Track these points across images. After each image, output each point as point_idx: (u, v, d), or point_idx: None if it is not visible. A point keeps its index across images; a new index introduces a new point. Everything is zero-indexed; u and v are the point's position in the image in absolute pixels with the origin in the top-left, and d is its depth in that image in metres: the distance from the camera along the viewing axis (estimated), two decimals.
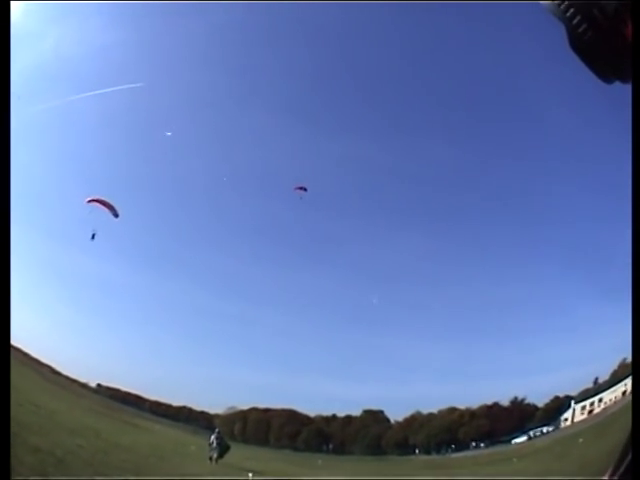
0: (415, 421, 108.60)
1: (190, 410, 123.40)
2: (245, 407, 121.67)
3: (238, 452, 57.35)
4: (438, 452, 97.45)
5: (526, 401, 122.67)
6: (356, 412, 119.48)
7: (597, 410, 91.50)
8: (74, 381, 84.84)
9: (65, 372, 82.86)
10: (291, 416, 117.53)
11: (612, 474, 3.69)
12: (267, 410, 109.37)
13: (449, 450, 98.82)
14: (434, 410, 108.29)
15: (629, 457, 3.03)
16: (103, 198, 30.27)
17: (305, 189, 26.43)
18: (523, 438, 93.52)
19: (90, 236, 30.57)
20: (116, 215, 29.70)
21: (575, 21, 2.51)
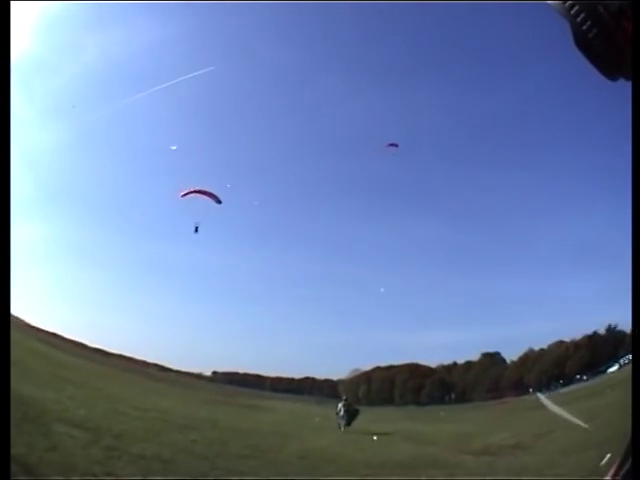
0: (528, 359, 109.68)
1: (313, 380, 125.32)
2: (368, 368, 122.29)
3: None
4: (548, 389, 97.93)
5: (618, 328, 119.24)
6: (475, 357, 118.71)
7: None
8: (186, 374, 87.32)
9: (175, 367, 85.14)
10: (413, 370, 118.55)
11: (615, 474, 3.60)
12: (390, 367, 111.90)
13: (557, 386, 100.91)
14: (544, 346, 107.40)
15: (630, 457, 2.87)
16: (199, 188, 30.95)
17: (396, 145, 28.57)
18: (615, 367, 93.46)
19: (193, 229, 32.21)
20: (219, 202, 30.48)
21: (579, 18, 2.47)
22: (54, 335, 47.19)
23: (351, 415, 31.95)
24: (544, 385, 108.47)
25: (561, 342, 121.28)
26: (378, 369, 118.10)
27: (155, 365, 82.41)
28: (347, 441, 25.49)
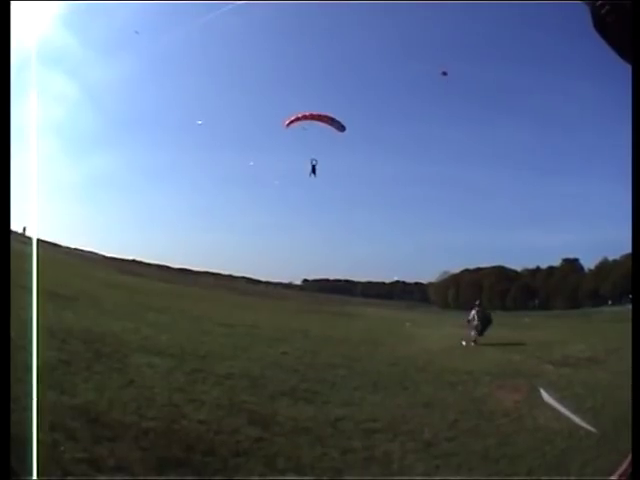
0: (603, 269, 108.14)
1: (404, 284, 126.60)
2: (457, 270, 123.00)
3: (454, 321, 57.85)
4: (621, 302, 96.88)
5: None
6: (556, 262, 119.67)
7: None
8: (276, 284, 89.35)
9: (264, 278, 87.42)
10: (500, 273, 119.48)
11: (622, 474, 3.72)
12: (478, 270, 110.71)
13: (629, 300, 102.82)
14: (617, 257, 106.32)
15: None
16: (313, 112, 27.44)
17: (446, 73, 28.37)
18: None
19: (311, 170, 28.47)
20: (342, 128, 27.23)
21: (599, 3, 2.54)
22: (134, 262, 48.51)
23: (485, 323, 28.25)
24: (617, 298, 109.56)
25: (630, 255, 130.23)
26: (467, 272, 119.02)
27: (243, 278, 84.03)
28: (437, 348, 25.61)
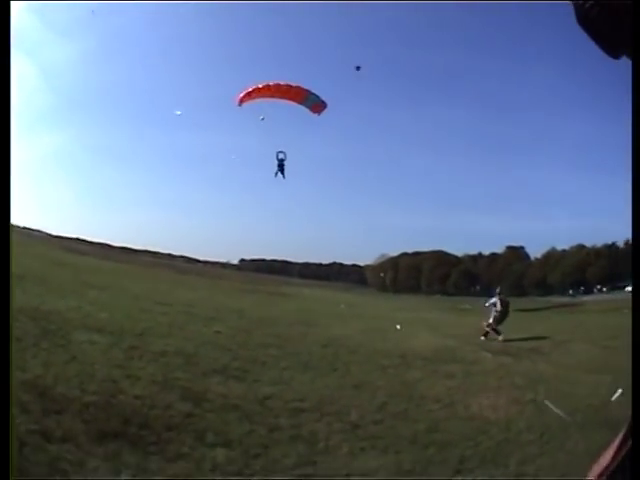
0: (551, 258, 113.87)
1: (341, 265, 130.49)
2: (395, 254, 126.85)
3: (390, 304, 59.11)
4: (570, 293, 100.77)
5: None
6: (500, 249, 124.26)
7: None
8: (213, 264, 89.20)
9: (202, 257, 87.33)
10: (440, 258, 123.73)
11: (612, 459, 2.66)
12: (417, 254, 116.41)
13: (579, 292, 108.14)
14: (566, 247, 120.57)
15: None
16: (278, 83, 21.54)
17: (359, 68, 29.29)
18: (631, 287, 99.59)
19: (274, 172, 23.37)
20: (321, 106, 22.57)
21: None
22: (77, 240, 48.34)
23: (504, 314, 25.96)
24: (566, 288, 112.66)
25: (582, 246, 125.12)
26: (405, 255, 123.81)
27: (182, 257, 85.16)
28: (371, 330, 25.94)
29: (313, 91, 22.79)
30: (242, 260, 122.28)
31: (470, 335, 26.08)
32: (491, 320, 25.28)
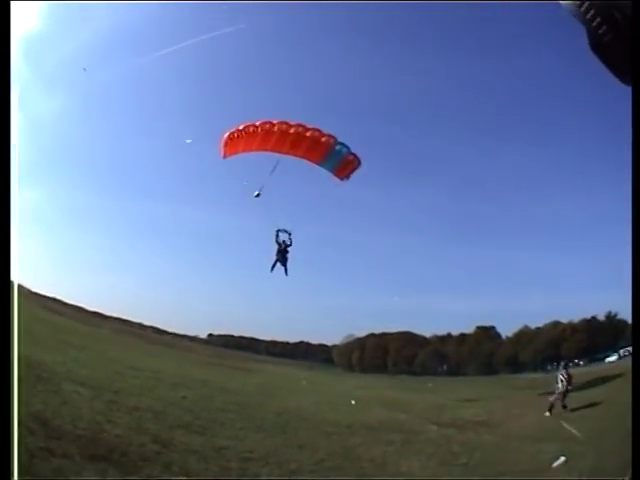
0: (524, 336, 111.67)
1: (307, 345, 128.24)
2: (362, 334, 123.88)
3: (351, 382, 59.72)
4: (543, 369, 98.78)
5: (618, 316, 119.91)
6: (469, 329, 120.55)
7: None
8: (182, 336, 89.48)
9: (171, 329, 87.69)
10: (408, 339, 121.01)
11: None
12: (384, 335, 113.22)
13: (552, 367, 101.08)
14: (540, 324, 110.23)
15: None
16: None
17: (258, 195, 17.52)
18: (614, 357, 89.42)
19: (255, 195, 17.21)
20: (350, 165, 16.98)
21: (595, 23, 2.56)
22: (54, 300, 49.32)
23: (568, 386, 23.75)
24: (538, 365, 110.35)
25: (557, 323, 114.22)
26: (372, 336, 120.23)
27: (152, 327, 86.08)
28: (326, 404, 26.87)
29: (339, 140, 16.57)
30: (210, 335, 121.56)
31: (424, 411, 26.75)
32: (553, 398, 23.35)
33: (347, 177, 17.66)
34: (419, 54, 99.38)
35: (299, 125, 16.14)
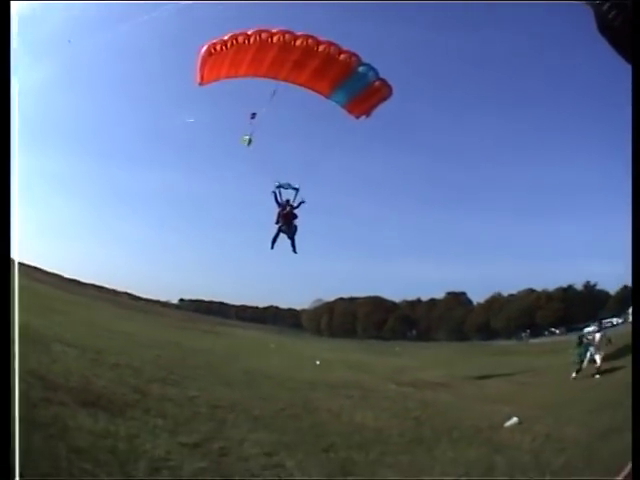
0: (496, 303, 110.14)
1: (277, 309, 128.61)
2: (331, 299, 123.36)
3: (320, 344, 61.01)
4: (517, 337, 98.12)
5: (598, 287, 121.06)
6: (440, 295, 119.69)
7: None
8: (155, 302, 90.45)
9: (145, 295, 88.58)
10: (377, 304, 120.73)
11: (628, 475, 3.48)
12: (353, 299, 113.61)
13: (526, 336, 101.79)
14: (514, 291, 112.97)
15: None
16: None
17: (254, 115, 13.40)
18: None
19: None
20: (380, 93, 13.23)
21: (605, 7, 2.62)
22: (35, 269, 50.00)
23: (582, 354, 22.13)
24: (512, 333, 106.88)
25: (532, 290, 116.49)
26: (341, 300, 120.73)
27: (126, 294, 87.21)
28: (292, 364, 28.51)
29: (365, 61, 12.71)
30: (182, 300, 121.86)
31: (386, 372, 27.84)
32: (597, 357, 21.56)
33: (369, 112, 14.10)
34: (399, 20, 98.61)
35: (308, 36, 12.06)
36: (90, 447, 7.69)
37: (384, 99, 13.70)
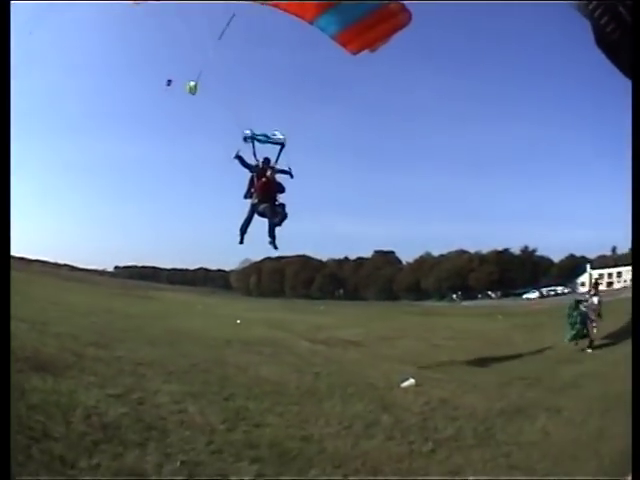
0: (426, 263, 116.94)
1: (206, 271, 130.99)
2: (259, 258, 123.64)
3: (246, 304, 62.75)
4: (448, 298, 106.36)
5: (538, 253, 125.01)
6: (368, 254, 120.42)
7: (617, 286, 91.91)
8: (92, 271, 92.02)
9: (83, 266, 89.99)
10: (304, 262, 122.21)
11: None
12: (280, 258, 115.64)
13: (458, 298, 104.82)
14: (444, 252, 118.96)
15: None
16: None
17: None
18: (535, 294, 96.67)
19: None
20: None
21: (603, 20, 2.54)
22: None
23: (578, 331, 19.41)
24: (444, 294, 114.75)
25: (463, 252, 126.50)
26: (268, 260, 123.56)
27: (66, 266, 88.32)
28: (215, 324, 30.28)
29: None
30: (116, 267, 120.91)
31: (303, 330, 29.37)
32: (593, 325, 19.37)
33: (374, 45, 10.58)
34: None
35: None
36: (41, 403, 8.67)
37: (401, 27, 10.03)
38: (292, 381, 13.74)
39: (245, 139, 12.57)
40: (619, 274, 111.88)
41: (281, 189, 13.10)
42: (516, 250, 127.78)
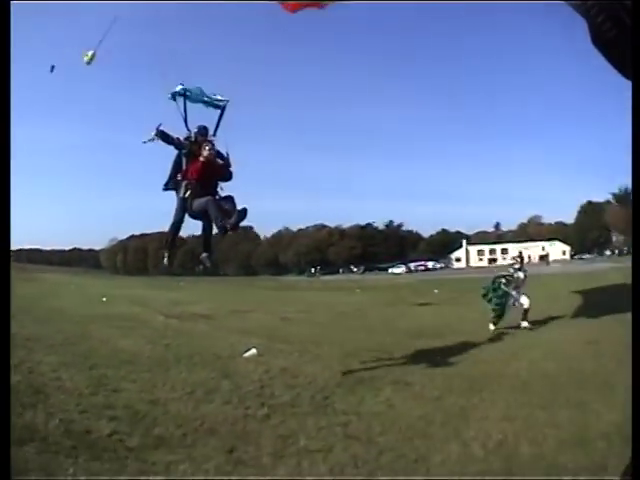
0: (284, 238, 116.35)
1: (80, 251, 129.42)
2: (124, 236, 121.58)
3: (113, 283, 70.62)
4: (307, 273, 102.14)
5: (404, 227, 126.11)
6: None
7: (501, 262, 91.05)
8: None
9: None
10: (164, 239, 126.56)
11: (624, 474, 3.04)
12: (143, 236, 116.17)
13: (317, 272, 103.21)
14: (303, 226, 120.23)
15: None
16: None
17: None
18: (401, 269, 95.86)
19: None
20: None
21: (600, 19, 2.40)
22: None
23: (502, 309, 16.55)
24: (303, 268, 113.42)
25: (323, 226, 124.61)
26: (133, 238, 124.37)
27: None
28: (83, 302, 31.78)
29: None
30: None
31: (160, 306, 29.41)
32: (525, 300, 16.54)
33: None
34: None
35: None
36: None
37: None
38: (145, 352, 13.93)
39: (173, 96, 9.54)
40: (504, 250, 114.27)
41: (227, 174, 9.71)
42: (380, 225, 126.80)
